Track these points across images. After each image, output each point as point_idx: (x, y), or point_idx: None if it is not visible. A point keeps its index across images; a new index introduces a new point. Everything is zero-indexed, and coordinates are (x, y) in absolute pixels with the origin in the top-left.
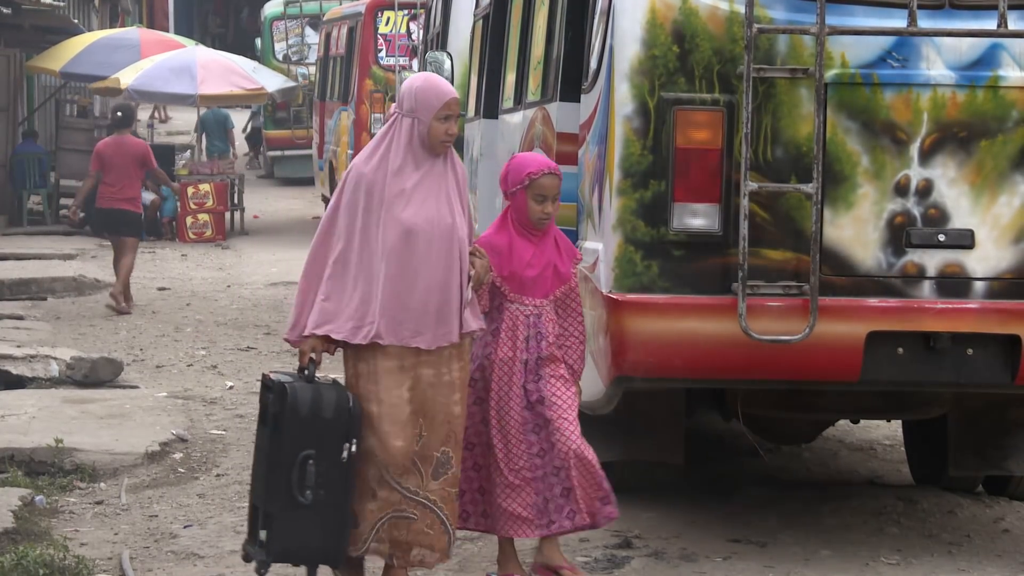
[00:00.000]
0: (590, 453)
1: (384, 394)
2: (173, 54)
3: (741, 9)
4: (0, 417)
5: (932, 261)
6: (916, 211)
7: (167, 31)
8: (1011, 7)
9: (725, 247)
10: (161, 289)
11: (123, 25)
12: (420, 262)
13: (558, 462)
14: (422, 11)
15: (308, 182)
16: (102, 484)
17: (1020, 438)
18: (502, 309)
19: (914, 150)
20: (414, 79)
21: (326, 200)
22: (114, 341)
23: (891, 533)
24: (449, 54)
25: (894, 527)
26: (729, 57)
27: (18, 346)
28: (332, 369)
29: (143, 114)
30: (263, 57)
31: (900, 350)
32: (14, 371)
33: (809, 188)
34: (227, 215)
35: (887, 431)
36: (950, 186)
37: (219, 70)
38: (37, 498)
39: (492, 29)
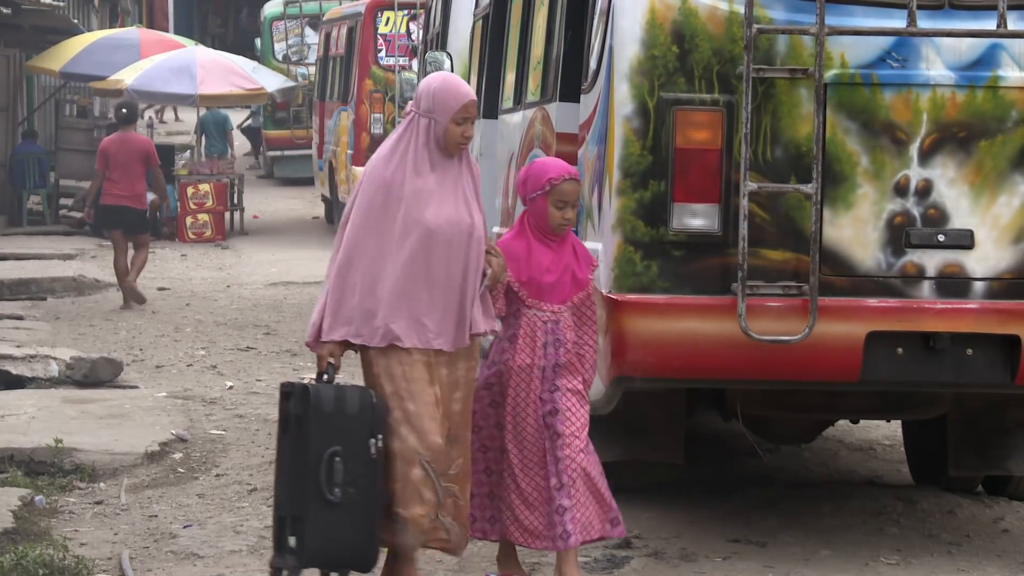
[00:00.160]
0: (597, 471)
1: (419, 392)
2: (173, 54)
3: (741, 9)
4: (0, 417)
5: (932, 261)
6: (916, 211)
7: (167, 31)
8: (1010, 7)
9: (725, 247)
10: (161, 289)
11: (123, 25)
12: (440, 263)
13: (565, 479)
14: (422, 11)
15: (308, 182)
16: (102, 484)
17: (1020, 438)
18: (519, 315)
19: (914, 150)
20: (432, 79)
21: (326, 200)
22: (114, 341)
23: (891, 533)
24: (449, 54)
25: (894, 527)
26: (729, 57)
27: (18, 346)
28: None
29: (144, 114)
30: (263, 57)
31: (900, 350)
32: (14, 371)
33: (809, 188)
34: (227, 215)
35: (887, 431)
36: (950, 186)
37: (219, 70)
38: (37, 498)
39: (492, 29)
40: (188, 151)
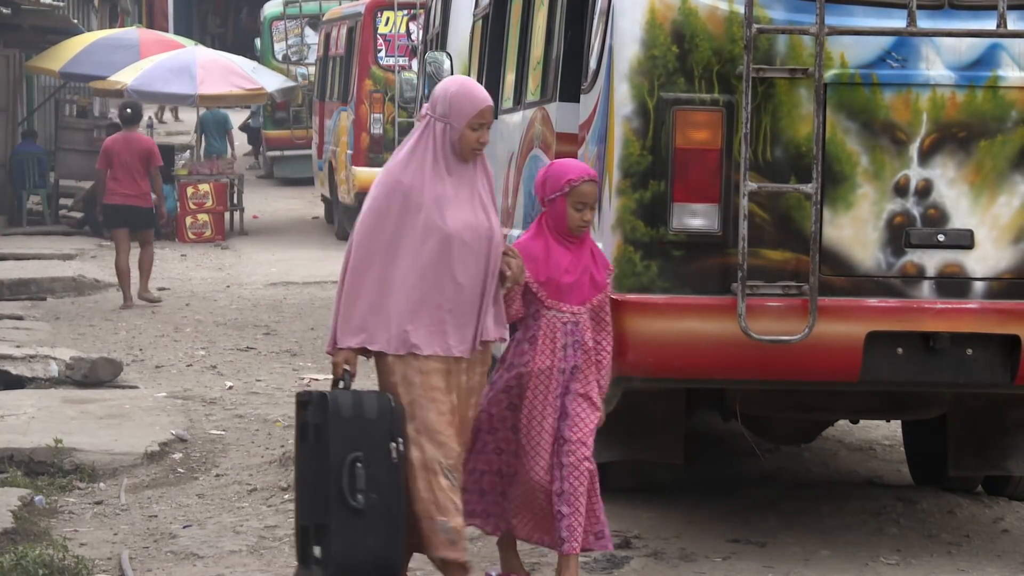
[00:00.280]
0: (595, 484)
1: (438, 401)
2: (173, 54)
3: (740, 9)
4: (0, 417)
5: (931, 261)
6: (915, 211)
7: (166, 31)
8: (1010, 7)
9: (724, 247)
10: (160, 289)
11: (122, 25)
12: (459, 269)
13: (567, 485)
14: (421, 11)
15: (307, 182)
16: (101, 484)
17: (1019, 438)
18: (539, 316)
19: (913, 150)
20: (450, 83)
21: (325, 200)
22: (113, 341)
23: (890, 533)
24: (448, 54)
25: (893, 527)
26: (728, 57)
27: (17, 346)
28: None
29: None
30: (263, 57)
31: (899, 350)
32: (13, 371)
33: (808, 188)
34: (226, 215)
35: (886, 431)
36: (949, 186)
37: (218, 70)
38: (36, 498)
39: (491, 29)
40: (188, 151)
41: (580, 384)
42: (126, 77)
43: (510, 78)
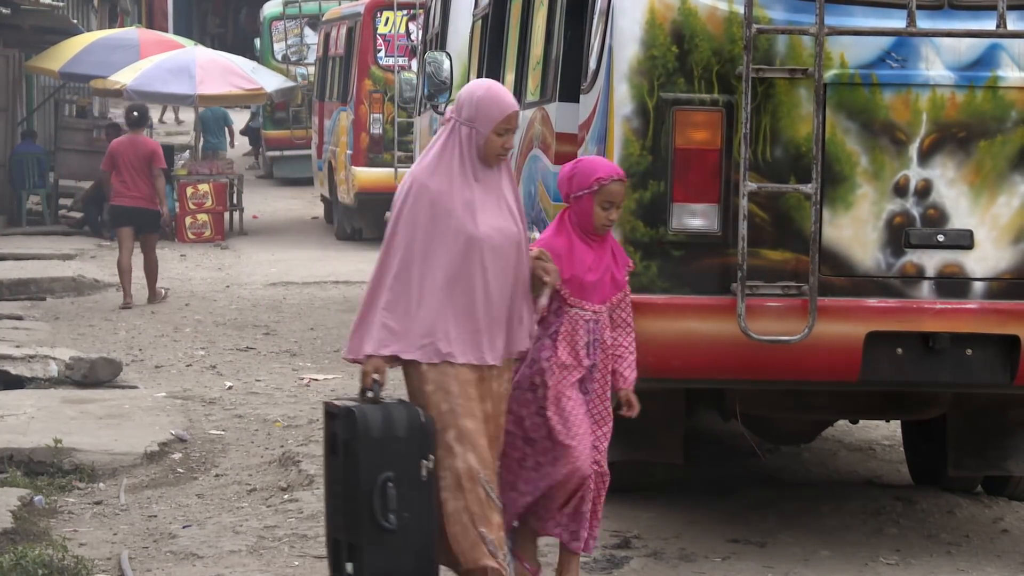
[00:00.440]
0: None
1: (474, 410)
2: (172, 54)
3: (740, 9)
4: None
5: (931, 261)
6: (915, 211)
7: (166, 31)
8: (1010, 7)
9: (724, 247)
10: (162, 288)
11: (122, 25)
12: (492, 274)
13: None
14: (421, 11)
15: (307, 182)
16: (101, 484)
17: (1019, 438)
18: (560, 313)
19: (913, 150)
20: (476, 86)
21: (325, 200)
22: (113, 341)
23: (890, 533)
24: (448, 54)
25: (893, 527)
26: (728, 57)
27: (17, 346)
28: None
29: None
30: (262, 57)
31: (899, 350)
32: (13, 371)
33: (808, 188)
34: (226, 215)
35: (886, 431)
36: (949, 186)
37: (218, 70)
38: (36, 498)
39: (491, 29)
40: (187, 151)
41: (598, 384)
42: (125, 77)
43: (509, 78)
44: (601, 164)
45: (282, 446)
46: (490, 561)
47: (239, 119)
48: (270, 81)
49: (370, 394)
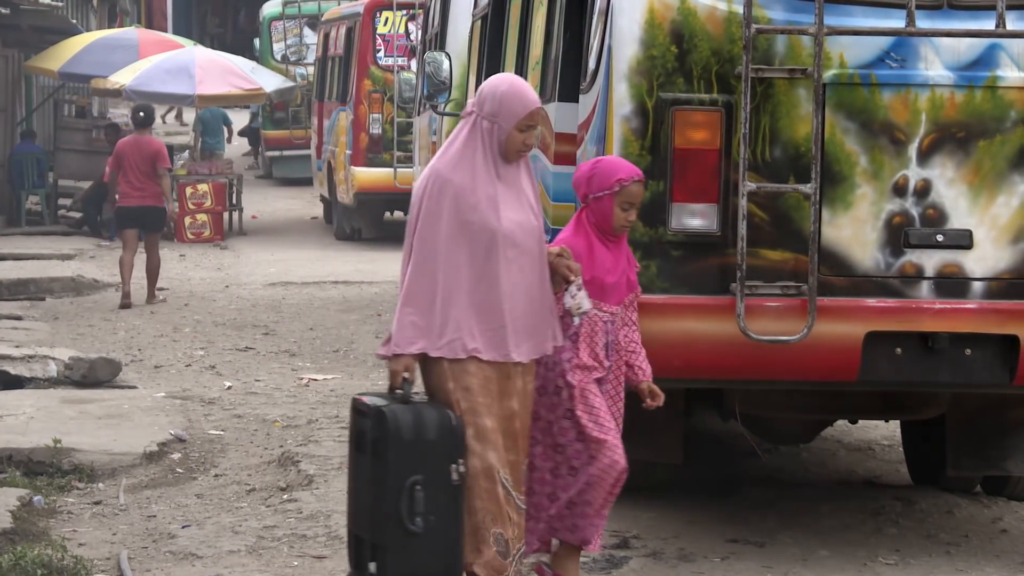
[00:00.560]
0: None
1: (493, 407)
2: (171, 54)
3: (739, 9)
4: None
5: (930, 261)
6: (914, 211)
7: (165, 31)
8: (1009, 7)
9: (723, 247)
10: (159, 289)
11: (121, 25)
12: (516, 271)
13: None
14: (420, 11)
15: (306, 182)
16: (100, 484)
17: (1018, 438)
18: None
19: (912, 150)
20: (500, 81)
21: (324, 200)
22: (112, 341)
23: (889, 533)
24: (447, 54)
25: (892, 527)
26: (727, 57)
27: (16, 346)
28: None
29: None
30: (261, 57)
31: (898, 350)
32: (12, 371)
33: (807, 188)
34: (225, 215)
35: (885, 431)
36: (948, 186)
37: (217, 70)
38: (35, 498)
39: (490, 29)
40: (186, 151)
41: (611, 386)
42: (125, 77)
43: None
44: (621, 165)
45: (281, 446)
46: (496, 564)
47: (239, 120)
48: (269, 81)
49: (398, 392)
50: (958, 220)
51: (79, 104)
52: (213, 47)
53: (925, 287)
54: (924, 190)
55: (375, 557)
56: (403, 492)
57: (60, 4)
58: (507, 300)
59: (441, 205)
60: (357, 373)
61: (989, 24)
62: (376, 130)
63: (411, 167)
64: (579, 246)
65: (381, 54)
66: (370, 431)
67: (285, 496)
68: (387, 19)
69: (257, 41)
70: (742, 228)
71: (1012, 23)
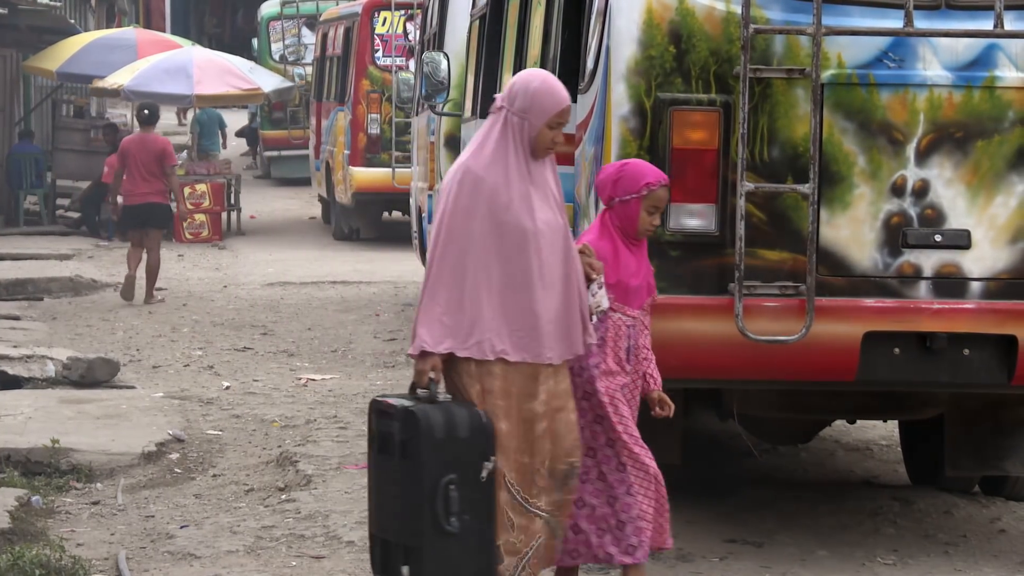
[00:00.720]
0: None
1: (516, 410)
2: (169, 54)
3: (738, 9)
4: None
5: (928, 261)
6: (912, 211)
7: (164, 31)
8: (1007, 7)
9: (722, 247)
10: (158, 289)
11: (120, 25)
12: (547, 270)
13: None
14: (419, 11)
15: (305, 182)
16: (98, 484)
17: (1017, 438)
18: (603, 319)
19: (910, 150)
20: (531, 77)
21: (323, 200)
22: (111, 341)
23: (887, 533)
24: (446, 54)
25: (890, 527)
26: (726, 57)
27: (14, 346)
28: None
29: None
30: (260, 57)
31: (896, 350)
32: (10, 371)
33: (805, 188)
34: (224, 215)
35: (884, 431)
36: (947, 186)
37: (215, 70)
38: (33, 498)
39: (489, 29)
40: (184, 151)
41: (629, 390)
42: (123, 77)
43: (507, 78)
44: (649, 169)
45: (279, 446)
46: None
47: (237, 121)
48: (267, 81)
49: (423, 392)
50: (956, 220)
51: (77, 104)
52: (211, 47)
53: (923, 287)
54: (922, 190)
55: (408, 560)
56: (437, 492)
57: (58, 4)
58: (539, 300)
59: (473, 203)
60: (355, 373)
61: (987, 24)
62: (374, 130)
63: (409, 167)
64: (604, 249)
65: (379, 54)
66: (398, 432)
67: (283, 496)
68: (385, 19)
69: (255, 41)
70: (740, 228)
71: (1010, 23)
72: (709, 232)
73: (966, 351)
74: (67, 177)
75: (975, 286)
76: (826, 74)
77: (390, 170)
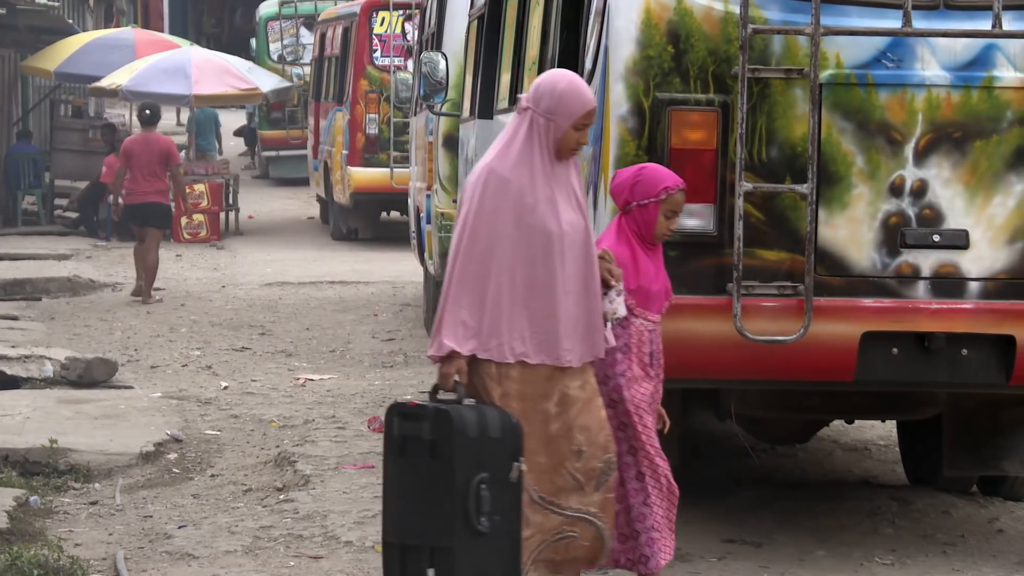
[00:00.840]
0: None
1: (531, 411)
2: (168, 54)
3: (736, 9)
4: None
5: (927, 261)
6: (911, 211)
7: (162, 31)
8: (1005, 7)
9: (720, 247)
10: (156, 289)
11: (118, 25)
12: (570, 272)
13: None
14: (417, 11)
15: (303, 182)
16: (96, 484)
17: (1015, 438)
18: (627, 324)
19: (909, 150)
20: (558, 78)
21: (321, 200)
22: (109, 341)
23: (886, 533)
24: (444, 54)
25: (889, 527)
26: (724, 57)
27: (13, 346)
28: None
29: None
30: (258, 57)
31: (895, 350)
32: (9, 371)
33: (804, 188)
34: (222, 215)
35: (882, 431)
36: (945, 186)
37: (213, 70)
38: (31, 499)
39: (487, 29)
40: (182, 151)
41: (653, 399)
42: (121, 78)
43: (505, 78)
44: (666, 173)
45: (278, 446)
46: None
47: (234, 121)
48: (266, 81)
49: (445, 395)
50: (954, 220)
51: (75, 104)
52: (209, 47)
53: (921, 287)
54: (920, 190)
55: (435, 563)
56: (469, 491)
57: (56, 4)
58: (561, 303)
59: (499, 205)
60: (353, 373)
61: (985, 24)
62: (372, 130)
63: (407, 167)
64: (623, 255)
65: (378, 54)
66: (428, 432)
67: (281, 496)
68: (383, 19)
69: (253, 41)
70: (739, 228)
71: (1008, 23)
72: (707, 232)
73: (964, 351)
74: (65, 177)
75: (973, 286)
76: (824, 74)
77: (388, 170)
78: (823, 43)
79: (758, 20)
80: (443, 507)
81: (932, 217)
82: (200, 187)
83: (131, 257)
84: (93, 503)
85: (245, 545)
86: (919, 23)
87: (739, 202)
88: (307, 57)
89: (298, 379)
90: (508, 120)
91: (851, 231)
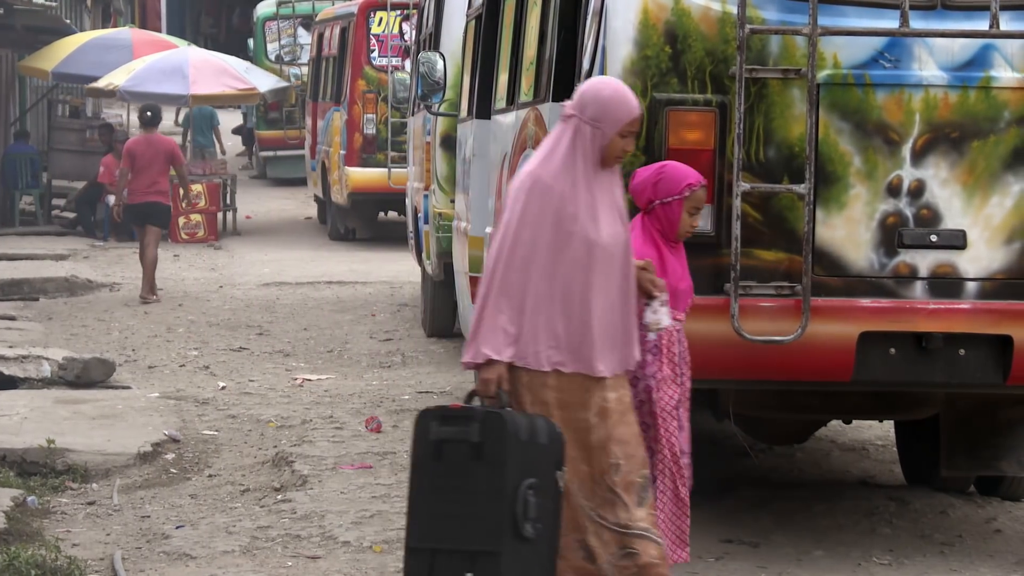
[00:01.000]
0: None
1: (572, 420)
2: (165, 55)
3: (733, 10)
4: None
5: (924, 262)
6: (908, 212)
7: (159, 31)
8: (1003, 8)
9: (718, 247)
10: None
11: (115, 25)
12: (610, 282)
13: (683, 495)
14: (415, 11)
15: (300, 183)
16: (94, 485)
17: (1012, 438)
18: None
19: (906, 151)
20: (603, 85)
21: (319, 200)
22: (106, 342)
23: (883, 533)
24: (442, 54)
25: (886, 527)
26: (721, 58)
27: (10, 346)
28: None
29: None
30: (255, 57)
31: (892, 350)
32: (6, 371)
33: (802, 189)
34: (219, 215)
35: (879, 431)
36: (942, 187)
37: (211, 70)
38: (29, 499)
39: (485, 29)
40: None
41: (681, 402)
42: (118, 78)
43: (503, 78)
44: (688, 170)
45: (275, 446)
46: None
47: (231, 120)
48: (263, 81)
49: (488, 402)
50: (952, 220)
51: (73, 104)
52: (207, 47)
53: (919, 287)
54: (918, 190)
55: (475, 567)
56: (519, 495)
57: (54, 4)
58: (596, 312)
59: (542, 212)
60: (351, 373)
61: (983, 24)
62: (370, 130)
63: (405, 167)
64: (651, 255)
65: (375, 54)
66: (477, 435)
67: (279, 496)
68: (381, 19)
69: (251, 41)
70: (736, 228)
71: (1006, 23)
72: (705, 232)
73: (962, 351)
74: (63, 177)
75: (971, 286)
76: (822, 74)
77: (386, 170)
78: (820, 43)
79: (755, 20)
80: (490, 511)
81: (930, 217)
82: (197, 187)
83: (129, 257)
84: (90, 503)
85: (243, 545)
86: (916, 23)
87: (737, 202)
88: (304, 57)
89: (296, 379)
90: (506, 120)
91: (849, 231)
